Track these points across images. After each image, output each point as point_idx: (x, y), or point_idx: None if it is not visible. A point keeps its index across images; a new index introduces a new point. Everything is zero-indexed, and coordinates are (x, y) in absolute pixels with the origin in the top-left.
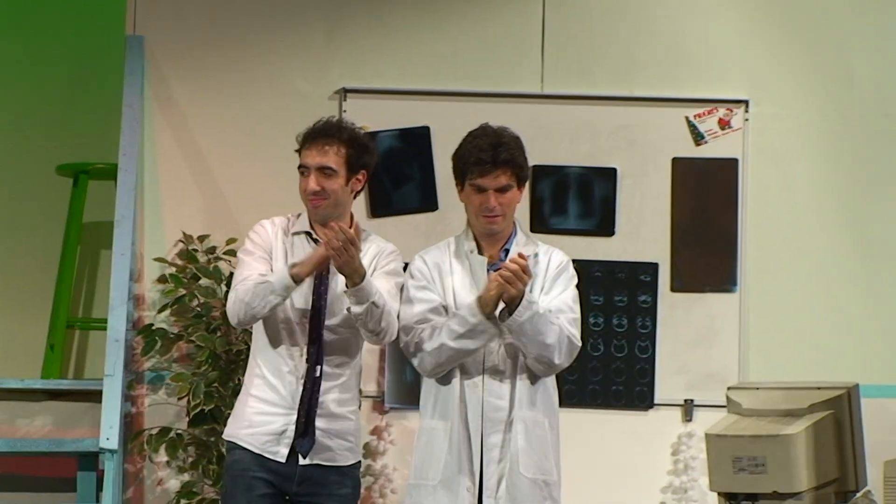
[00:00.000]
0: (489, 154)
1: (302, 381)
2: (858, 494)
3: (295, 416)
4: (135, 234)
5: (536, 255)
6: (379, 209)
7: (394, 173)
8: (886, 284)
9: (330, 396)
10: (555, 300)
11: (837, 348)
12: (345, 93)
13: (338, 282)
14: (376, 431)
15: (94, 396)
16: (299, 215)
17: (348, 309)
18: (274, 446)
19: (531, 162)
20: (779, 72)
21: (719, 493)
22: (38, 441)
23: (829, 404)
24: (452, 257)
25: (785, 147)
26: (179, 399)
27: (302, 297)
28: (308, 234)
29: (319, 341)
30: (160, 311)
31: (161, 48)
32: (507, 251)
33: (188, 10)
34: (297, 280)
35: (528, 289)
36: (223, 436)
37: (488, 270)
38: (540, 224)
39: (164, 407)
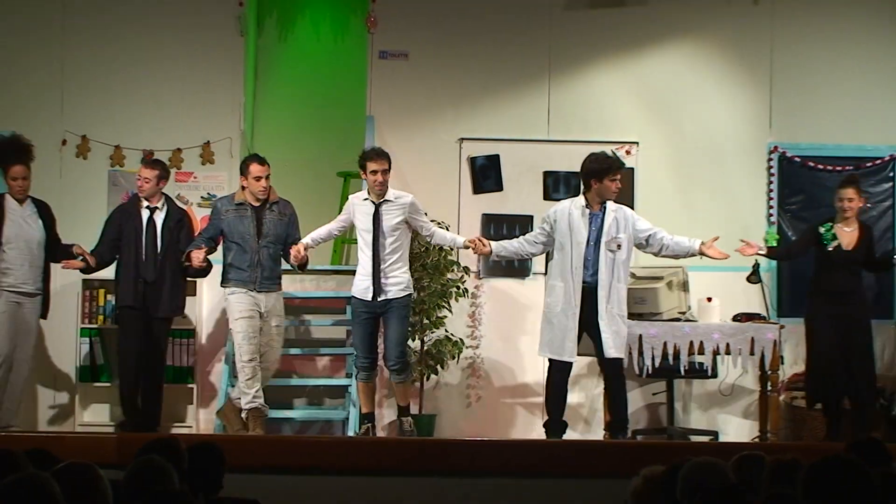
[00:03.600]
0: (619, 163)
1: (373, 262)
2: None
3: (373, 279)
4: None
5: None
6: (477, 190)
7: (484, 174)
8: (699, 220)
9: (389, 269)
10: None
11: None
12: (462, 140)
13: (387, 210)
14: (477, 288)
15: (352, 273)
16: (358, 193)
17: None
18: (368, 294)
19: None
20: (652, 126)
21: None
22: (328, 291)
23: (672, 274)
24: (573, 208)
25: (656, 164)
26: None
27: (369, 224)
28: (366, 199)
29: (378, 244)
30: None
31: (383, 120)
32: (605, 206)
33: (394, 102)
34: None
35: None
36: (351, 294)
37: (591, 216)
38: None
39: None
